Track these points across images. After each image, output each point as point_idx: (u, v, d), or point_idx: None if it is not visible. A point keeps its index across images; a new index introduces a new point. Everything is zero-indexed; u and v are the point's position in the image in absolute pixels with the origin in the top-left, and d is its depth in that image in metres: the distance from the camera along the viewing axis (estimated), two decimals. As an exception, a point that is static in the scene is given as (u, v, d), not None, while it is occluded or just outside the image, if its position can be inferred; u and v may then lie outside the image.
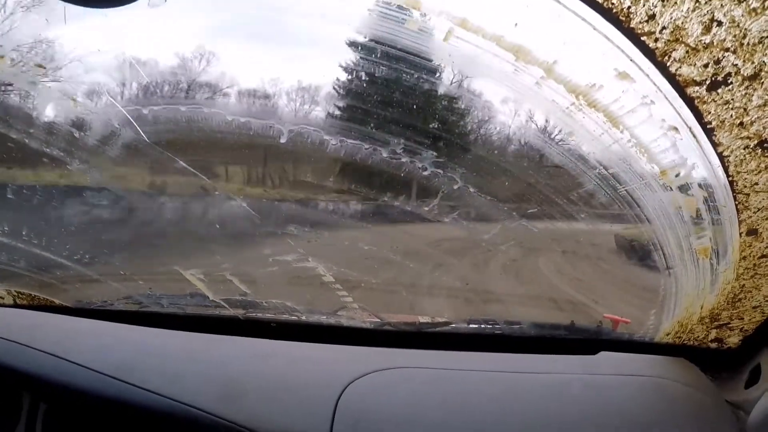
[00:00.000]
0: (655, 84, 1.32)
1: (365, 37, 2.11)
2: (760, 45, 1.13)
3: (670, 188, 1.63)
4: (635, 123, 1.52)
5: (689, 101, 1.28)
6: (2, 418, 1.85)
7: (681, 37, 1.17)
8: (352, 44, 2.60)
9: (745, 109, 1.24)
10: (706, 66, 1.20)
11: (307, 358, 1.90)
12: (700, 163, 1.45)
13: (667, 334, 1.97)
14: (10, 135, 2.27)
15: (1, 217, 2.51)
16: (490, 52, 1.51)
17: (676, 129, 1.42)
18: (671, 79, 1.25)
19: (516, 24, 1.50)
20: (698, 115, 1.30)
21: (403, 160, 2.29)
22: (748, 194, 1.39)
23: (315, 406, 1.65)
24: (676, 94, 1.29)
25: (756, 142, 1.28)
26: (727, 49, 1.16)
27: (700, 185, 1.55)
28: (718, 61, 1.19)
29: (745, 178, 1.36)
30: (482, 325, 2.27)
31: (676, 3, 1.13)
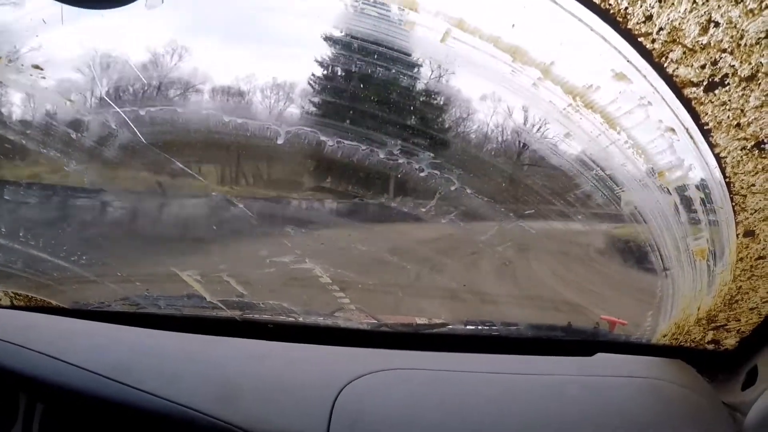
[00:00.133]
0: (652, 85, 1.32)
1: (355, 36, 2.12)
2: (758, 46, 1.13)
3: (668, 189, 1.63)
4: (632, 124, 1.52)
5: (686, 102, 1.28)
6: (-1, 419, 1.86)
7: (678, 38, 1.18)
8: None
9: (742, 111, 1.24)
10: (703, 67, 1.20)
11: (304, 359, 1.90)
12: (697, 164, 1.45)
13: (664, 336, 1.97)
14: (5, 136, 2.27)
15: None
16: (487, 53, 1.51)
17: (673, 130, 1.43)
18: (668, 80, 1.25)
19: (513, 25, 1.50)
20: (695, 117, 1.30)
21: (400, 161, 2.30)
22: (745, 195, 1.39)
23: (312, 407, 1.64)
24: (674, 96, 1.29)
25: (753, 143, 1.28)
26: (724, 50, 1.17)
27: (697, 186, 1.55)
28: (715, 62, 1.19)
29: (742, 180, 1.36)
30: (479, 327, 2.27)
31: (673, 4, 1.13)
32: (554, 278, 6.07)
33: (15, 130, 2.30)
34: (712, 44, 1.16)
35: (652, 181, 1.65)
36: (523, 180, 2.70)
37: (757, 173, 1.33)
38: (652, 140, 1.52)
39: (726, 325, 1.77)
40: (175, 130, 2.27)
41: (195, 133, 2.27)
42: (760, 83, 1.19)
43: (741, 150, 1.30)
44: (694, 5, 1.12)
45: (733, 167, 1.34)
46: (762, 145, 1.28)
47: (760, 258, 1.52)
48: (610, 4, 1.17)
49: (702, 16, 1.13)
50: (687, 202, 1.63)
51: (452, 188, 2.32)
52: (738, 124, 1.27)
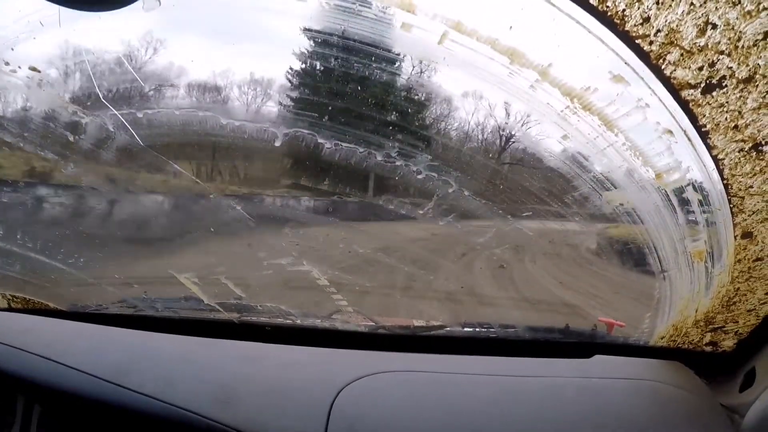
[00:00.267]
0: (649, 87, 1.32)
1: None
2: (755, 48, 1.13)
3: (665, 191, 1.63)
4: (630, 126, 1.52)
5: (684, 104, 1.28)
6: (-3, 421, 1.85)
7: (676, 40, 1.18)
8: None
9: (739, 112, 1.24)
10: (700, 69, 1.20)
11: (301, 361, 1.90)
12: (694, 166, 1.45)
13: (662, 338, 1.97)
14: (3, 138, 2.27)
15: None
16: (484, 55, 1.51)
17: (670, 132, 1.43)
18: (666, 82, 1.25)
19: (511, 27, 1.50)
20: (693, 118, 1.30)
21: (398, 163, 2.30)
22: (743, 197, 1.39)
23: (309, 409, 1.64)
24: (671, 98, 1.29)
25: (751, 145, 1.28)
26: (721, 52, 1.17)
27: (694, 188, 1.55)
28: (712, 64, 1.19)
29: (740, 181, 1.36)
30: (477, 329, 2.27)
31: (670, 6, 1.13)
32: (551, 280, 6.07)
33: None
34: (709, 46, 1.16)
35: (650, 183, 1.65)
36: (520, 182, 2.70)
37: (755, 175, 1.33)
38: (649, 142, 1.52)
39: (724, 327, 1.77)
40: (172, 132, 2.27)
41: (188, 133, 2.27)
42: (757, 85, 1.19)
43: (739, 152, 1.30)
44: (692, 7, 1.12)
45: (730, 169, 1.34)
46: (760, 147, 1.28)
47: (758, 260, 1.52)
48: (607, 6, 1.17)
49: (699, 18, 1.13)
50: (685, 204, 1.64)
51: (450, 190, 2.32)
52: (736, 126, 1.26)
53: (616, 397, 1.79)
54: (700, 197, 1.55)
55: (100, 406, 1.71)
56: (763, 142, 1.27)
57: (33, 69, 2.11)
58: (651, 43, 1.20)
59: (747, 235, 1.48)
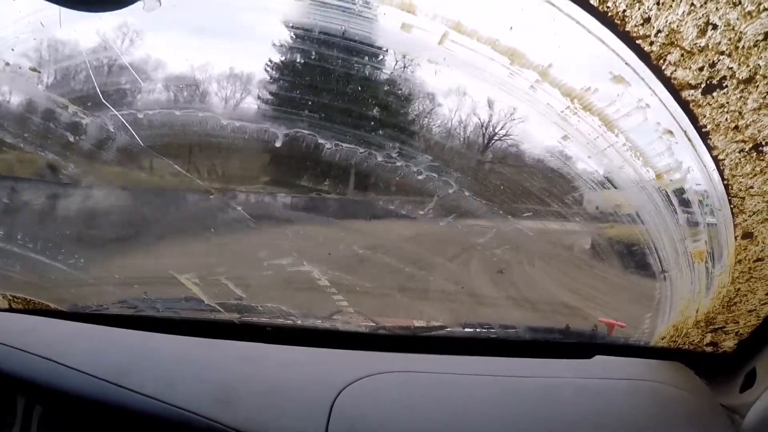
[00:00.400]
0: (650, 87, 1.32)
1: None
2: (755, 48, 1.13)
3: (666, 192, 1.63)
4: (630, 126, 1.52)
5: (684, 105, 1.28)
6: (-2, 422, 1.85)
7: (676, 40, 1.18)
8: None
9: (740, 113, 1.24)
10: (701, 69, 1.20)
11: (302, 362, 1.90)
12: (695, 166, 1.45)
13: (663, 338, 1.97)
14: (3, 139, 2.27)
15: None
16: (485, 56, 1.51)
17: (671, 132, 1.43)
18: (666, 82, 1.25)
19: (511, 27, 1.50)
20: (693, 119, 1.30)
21: (398, 164, 2.30)
22: (744, 198, 1.39)
23: (310, 410, 1.64)
24: (671, 98, 1.29)
25: (751, 145, 1.28)
26: (722, 53, 1.17)
27: (695, 189, 1.55)
28: (713, 65, 1.19)
29: (740, 182, 1.36)
30: (477, 329, 2.27)
31: (671, 6, 1.13)
32: (551, 280, 6.07)
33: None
34: (710, 46, 1.16)
35: (651, 184, 1.65)
36: (521, 182, 2.70)
37: (755, 175, 1.33)
38: (650, 143, 1.52)
39: (724, 327, 1.77)
40: (172, 132, 2.28)
41: (180, 131, 2.28)
42: (758, 85, 1.19)
43: (739, 152, 1.30)
44: (692, 8, 1.12)
45: (731, 169, 1.34)
46: (760, 148, 1.28)
47: (758, 260, 1.52)
48: (608, 7, 1.17)
49: (700, 18, 1.13)
50: (685, 205, 1.64)
51: (450, 191, 2.32)
52: (736, 127, 1.26)
53: (617, 397, 1.79)
54: (701, 198, 1.56)
55: (100, 406, 1.71)
56: (763, 143, 1.27)
57: (33, 70, 2.11)
58: (651, 43, 1.20)
59: (747, 235, 1.48)
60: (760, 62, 1.15)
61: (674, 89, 1.26)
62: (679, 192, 1.61)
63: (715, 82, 1.21)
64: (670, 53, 1.20)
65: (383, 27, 1.67)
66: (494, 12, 1.53)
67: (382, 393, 1.75)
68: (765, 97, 1.20)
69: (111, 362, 1.81)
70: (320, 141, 2.29)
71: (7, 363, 1.81)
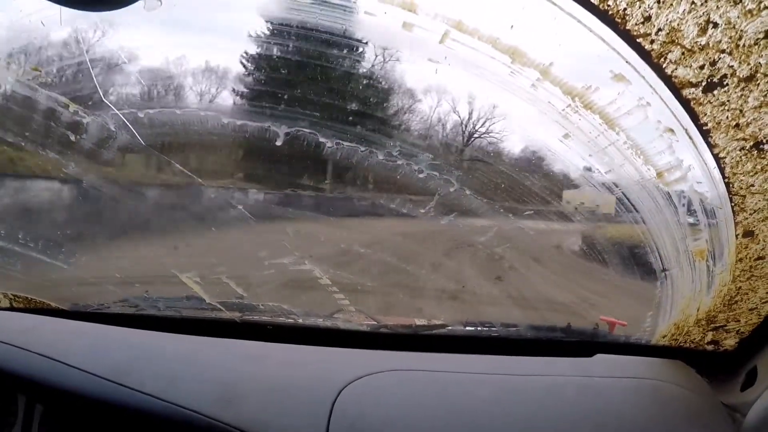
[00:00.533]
0: (651, 86, 1.32)
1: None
2: (756, 46, 1.13)
3: (666, 190, 1.63)
4: (631, 125, 1.52)
5: (685, 103, 1.28)
6: (-1, 421, 1.85)
7: (677, 38, 1.18)
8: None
9: (741, 111, 1.24)
10: (702, 68, 1.20)
11: (303, 360, 1.90)
12: (696, 164, 1.45)
13: (664, 337, 1.97)
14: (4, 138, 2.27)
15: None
16: (486, 55, 1.51)
17: (672, 131, 1.43)
18: (667, 80, 1.25)
19: (512, 26, 1.50)
20: (694, 117, 1.30)
21: (399, 162, 2.30)
22: (744, 196, 1.39)
23: (311, 408, 1.64)
24: (672, 96, 1.29)
25: (752, 143, 1.28)
26: (723, 51, 1.17)
27: (696, 187, 1.55)
28: (714, 63, 1.19)
29: (741, 180, 1.36)
30: (478, 328, 2.27)
31: (671, 5, 1.13)
32: (552, 279, 6.06)
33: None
34: (710, 45, 1.16)
35: (651, 182, 1.65)
36: (521, 180, 2.70)
37: (756, 173, 1.33)
38: (651, 141, 1.52)
39: (725, 325, 1.77)
40: (172, 131, 2.28)
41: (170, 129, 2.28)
42: (758, 84, 1.19)
43: (740, 150, 1.30)
44: (693, 6, 1.12)
45: (732, 167, 1.34)
46: (761, 146, 1.28)
47: (759, 258, 1.52)
48: (608, 5, 1.17)
49: (701, 16, 1.13)
50: (686, 203, 1.64)
51: (451, 189, 2.33)
52: (737, 125, 1.26)
53: (618, 395, 1.79)
54: (701, 196, 1.56)
55: (101, 405, 1.71)
56: (764, 141, 1.27)
57: (35, 69, 2.11)
58: (652, 41, 1.20)
59: (748, 233, 1.48)
60: (761, 60, 1.15)
61: (675, 87, 1.26)
62: (680, 190, 1.61)
63: (715, 80, 1.21)
64: (670, 51, 1.20)
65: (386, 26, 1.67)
66: (495, 11, 1.53)
67: (384, 391, 1.75)
68: (766, 95, 1.20)
69: (112, 361, 1.81)
70: (321, 139, 2.29)
71: (8, 362, 1.81)
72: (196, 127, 2.31)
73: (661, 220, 1.74)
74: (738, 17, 1.11)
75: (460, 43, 1.53)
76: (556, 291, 5.71)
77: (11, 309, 2.19)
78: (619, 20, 1.19)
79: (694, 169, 1.48)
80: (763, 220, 1.43)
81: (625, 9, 1.17)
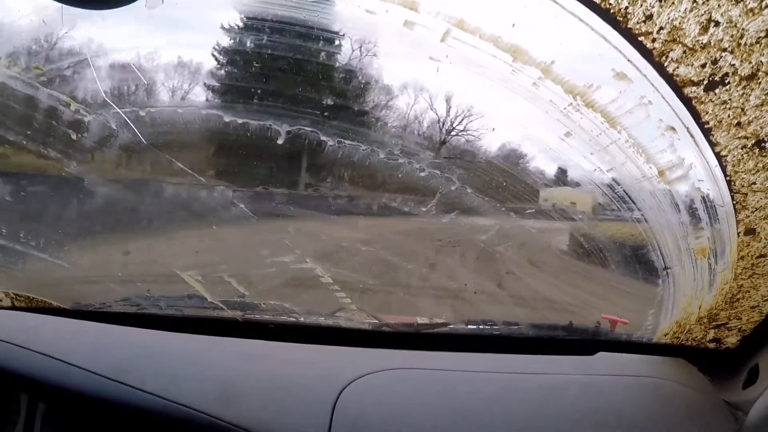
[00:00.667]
0: (652, 84, 1.32)
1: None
2: (758, 45, 1.13)
3: (668, 188, 1.63)
4: (633, 123, 1.52)
5: (687, 101, 1.28)
6: (1, 419, 1.85)
7: (678, 37, 1.18)
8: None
9: (742, 109, 1.24)
10: (703, 66, 1.20)
11: (305, 359, 1.90)
12: (697, 163, 1.45)
13: (665, 335, 1.97)
14: (6, 137, 2.27)
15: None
16: (487, 53, 1.51)
17: (673, 129, 1.43)
18: (669, 79, 1.26)
19: (513, 25, 1.50)
20: (696, 115, 1.30)
21: (401, 161, 2.30)
22: (746, 194, 1.39)
23: (313, 407, 1.64)
24: (674, 95, 1.29)
25: (753, 141, 1.28)
26: (724, 49, 1.17)
27: (697, 185, 1.55)
28: (715, 61, 1.19)
29: (743, 178, 1.36)
30: (480, 326, 2.27)
31: (673, 3, 1.13)
32: (553, 277, 6.07)
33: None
34: (712, 43, 1.16)
35: (653, 180, 1.65)
36: (522, 178, 2.70)
37: (757, 171, 1.33)
38: (652, 139, 1.52)
39: (727, 323, 1.77)
40: (173, 130, 2.28)
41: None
42: (760, 82, 1.19)
43: (741, 148, 1.30)
44: (695, 4, 1.12)
45: (733, 166, 1.34)
46: (762, 144, 1.28)
47: (761, 256, 1.52)
48: (610, 4, 1.17)
49: (702, 15, 1.13)
50: (687, 201, 1.64)
51: (453, 188, 2.33)
52: (738, 123, 1.27)
53: (620, 393, 1.79)
54: (703, 194, 1.56)
55: (103, 403, 1.72)
56: (765, 139, 1.27)
57: (36, 68, 2.11)
58: (654, 40, 1.20)
59: (750, 231, 1.48)
60: (762, 59, 1.15)
61: (677, 86, 1.26)
62: (682, 188, 1.61)
63: (717, 78, 1.21)
64: (672, 50, 1.20)
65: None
66: (497, 9, 1.53)
67: (385, 390, 1.75)
68: (767, 94, 1.20)
69: (114, 360, 1.81)
70: (322, 138, 2.29)
71: (10, 361, 1.81)
72: (198, 125, 2.32)
73: (662, 218, 1.74)
74: (739, 16, 1.11)
75: (461, 42, 1.53)
76: (557, 289, 5.72)
77: (13, 308, 2.19)
78: (621, 19, 1.19)
79: (696, 167, 1.48)
80: (764, 218, 1.43)
81: (626, 7, 1.17)
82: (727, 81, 1.21)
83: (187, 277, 2.36)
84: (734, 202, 1.43)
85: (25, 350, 1.82)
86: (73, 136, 2.21)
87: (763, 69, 1.17)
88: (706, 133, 1.32)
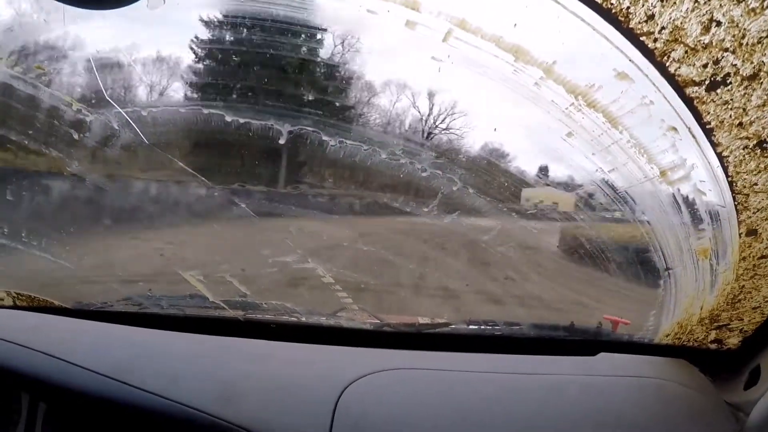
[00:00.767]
0: (654, 84, 1.32)
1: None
2: (759, 45, 1.13)
3: (670, 189, 1.63)
4: (634, 123, 1.52)
5: (688, 101, 1.28)
6: (2, 419, 1.85)
7: (680, 37, 1.18)
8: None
9: (744, 110, 1.24)
10: (705, 66, 1.20)
11: (306, 359, 1.90)
12: (699, 163, 1.45)
13: (667, 336, 1.97)
14: (8, 136, 2.27)
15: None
16: (489, 53, 1.51)
17: (675, 129, 1.43)
18: (670, 79, 1.25)
19: (515, 25, 1.50)
20: (697, 116, 1.30)
21: (402, 161, 2.30)
22: (748, 195, 1.39)
23: (314, 407, 1.64)
24: (676, 95, 1.29)
25: (755, 142, 1.28)
26: (726, 49, 1.17)
27: (699, 186, 1.55)
28: (717, 62, 1.19)
29: (745, 179, 1.36)
30: (482, 326, 2.27)
31: (675, 3, 1.13)
32: (557, 277, 6.06)
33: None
34: (714, 43, 1.16)
35: (655, 181, 1.65)
36: (524, 179, 2.70)
37: (759, 172, 1.33)
38: (654, 139, 1.52)
39: (729, 324, 1.77)
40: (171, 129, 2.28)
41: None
42: (762, 82, 1.19)
43: (743, 149, 1.30)
44: (696, 4, 1.12)
45: (735, 166, 1.34)
46: (764, 144, 1.28)
47: (762, 257, 1.52)
48: (612, 4, 1.17)
49: (704, 15, 1.13)
50: (689, 202, 1.63)
51: (455, 188, 2.33)
52: (740, 123, 1.26)
53: (621, 394, 1.79)
54: (705, 194, 1.55)
55: (104, 403, 1.72)
56: (767, 139, 1.27)
57: (38, 67, 2.11)
58: (655, 40, 1.20)
59: (752, 232, 1.48)
60: (764, 59, 1.15)
61: (678, 86, 1.26)
62: (683, 189, 1.61)
63: (719, 78, 1.21)
64: (674, 50, 1.20)
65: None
66: (498, 9, 1.53)
67: (387, 390, 1.75)
68: (769, 94, 1.20)
69: (115, 359, 1.81)
70: (324, 138, 2.29)
71: (11, 360, 1.81)
72: (200, 125, 2.31)
73: (664, 218, 1.74)
74: (741, 16, 1.11)
75: (463, 42, 1.53)
76: (558, 290, 5.72)
77: (14, 307, 2.19)
78: (623, 18, 1.19)
79: (698, 167, 1.48)
80: (766, 219, 1.43)
81: (628, 7, 1.17)
82: (728, 81, 1.21)
83: (188, 276, 2.36)
84: (736, 203, 1.43)
85: (27, 349, 1.82)
86: (75, 135, 2.21)
87: (764, 69, 1.17)
88: (708, 133, 1.32)
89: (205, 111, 2.29)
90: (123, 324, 2.05)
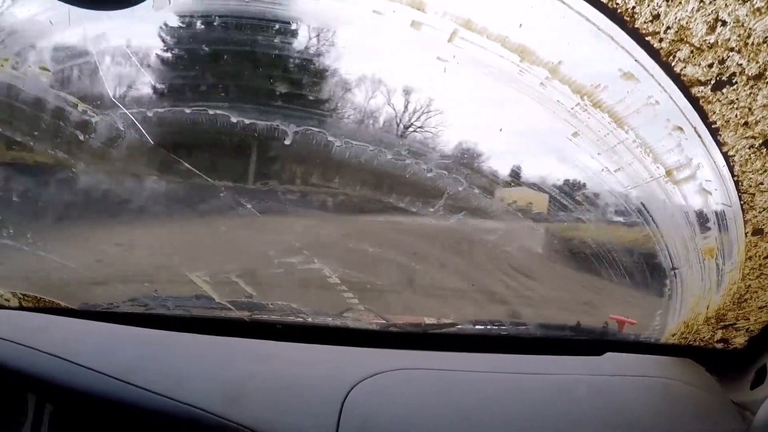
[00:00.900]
0: (659, 84, 1.32)
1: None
2: (765, 44, 1.13)
3: (676, 188, 1.63)
4: (640, 123, 1.52)
5: (694, 101, 1.28)
6: (9, 420, 1.86)
7: (685, 37, 1.18)
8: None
9: (749, 109, 1.24)
10: (710, 66, 1.20)
11: (312, 359, 1.90)
12: (705, 162, 1.45)
13: (673, 335, 1.97)
14: (13, 137, 2.28)
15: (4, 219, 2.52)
16: (494, 53, 1.51)
17: (681, 129, 1.42)
18: (676, 79, 1.25)
19: (521, 25, 1.50)
20: (703, 115, 1.30)
21: (407, 162, 2.31)
22: (754, 194, 1.39)
23: (321, 407, 1.64)
24: (681, 94, 1.29)
25: (761, 141, 1.28)
26: (731, 49, 1.17)
27: (705, 185, 1.55)
28: (722, 61, 1.19)
29: (750, 178, 1.36)
30: (488, 327, 2.27)
31: (680, 3, 1.13)
32: (563, 277, 6.06)
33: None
34: (719, 43, 1.16)
35: (660, 180, 1.64)
36: (531, 180, 2.70)
37: (765, 171, 1.33)
38: (659, 139, 1.52)
39: (735, 323, 1.77)
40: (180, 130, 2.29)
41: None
42: (767, 82, 1.19)
43: (749, 148, 1.30)
44: (702, 4, 1.12)
45: (741, 166, 1.34)
46: (770, 144, 1.28)
47: (768, 257, 1.52)
48: (617, 4, 1.17)
49: (709, 15, 1.13)
50: (695, 201, 1.63)
51: (460, 188, 2.33)
52: (746, 123, 1.26)
53: (628, 394, 1.79)
54: (710, 194, 1.55)
55: (110, 404, 1.72)
56: (773, 139, 1.27)
57: (43, 68, 2.11)
58: (661, 40, 1.20)
59: (758, 231, 1.48)
60: (770, 59, 1.15)
61: (684, 86, 1.26)
62: (689, 188, 1.60)
63: (724, 78, 1.21)
64: (679, 50, 1.20)
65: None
66: (504, 9, 1.53)
67: (393, 390, 1.75)
68: (775, 94, 1.20)
69: (121, 360, 1.81)
70: (329, 139, 2.29)
71: (17, 361, 1.81)
72: (206, 126, 2.32)
73: (670, 218, 1.74)
74: (746, 15, 1.11)
75: (468, 42, 1.53)
76: (565, 290, 5.71)
77: (21, 308, 2.19)
78: (628, 18, 1.19)
79: (703, 167, 1.48)
80: (773, 218, 1.43)
81: (633, 7, 1.17)
82: (734, 81, 1.21)
83: (194, 277, 2.36)
84: (742, 203, 1.43)
85: (33, 350, 1.82)
86: (80, 136, 2.22)
87: (770, 69, 1.17)
88: (714, 133, 1.32)
89: (211, 112, 2.29)
90: (129, 325, 2.05)
